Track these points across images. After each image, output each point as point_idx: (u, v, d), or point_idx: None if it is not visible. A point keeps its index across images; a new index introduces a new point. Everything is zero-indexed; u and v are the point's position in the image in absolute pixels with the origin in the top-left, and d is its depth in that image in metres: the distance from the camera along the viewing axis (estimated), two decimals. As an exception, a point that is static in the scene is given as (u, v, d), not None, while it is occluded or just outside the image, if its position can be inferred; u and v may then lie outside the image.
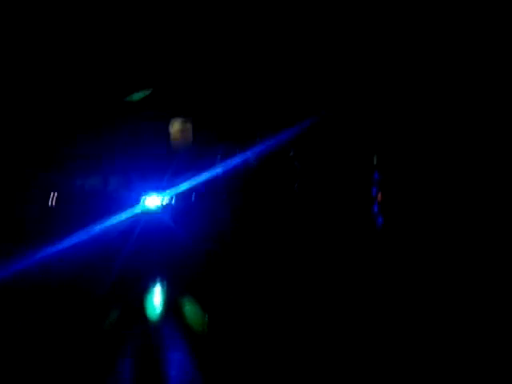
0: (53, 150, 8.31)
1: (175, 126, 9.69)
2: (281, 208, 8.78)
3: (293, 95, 8.95)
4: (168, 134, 9.59)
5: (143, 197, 8.79)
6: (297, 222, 8.45)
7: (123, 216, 8.35)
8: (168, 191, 8.83)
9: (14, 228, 6.88)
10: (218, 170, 9.21)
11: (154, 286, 6.52)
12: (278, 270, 6.73)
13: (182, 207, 8.73)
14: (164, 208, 8.75)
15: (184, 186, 8.80)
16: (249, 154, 9.28)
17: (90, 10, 7.35)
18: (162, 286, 6.56)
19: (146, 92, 8.55)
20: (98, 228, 7.86)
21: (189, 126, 9.72)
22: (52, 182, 8.34)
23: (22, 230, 6.94)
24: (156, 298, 6.09)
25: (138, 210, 8.62)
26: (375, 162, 8.25)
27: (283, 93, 9.09)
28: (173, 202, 8.82)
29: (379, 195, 8.19)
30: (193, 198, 8.86)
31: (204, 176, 8.93)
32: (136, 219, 8.46)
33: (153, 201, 8.74)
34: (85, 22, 7.49)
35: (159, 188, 8.84)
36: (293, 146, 9.21)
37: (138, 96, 8.61)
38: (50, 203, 8.24)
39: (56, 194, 8.35)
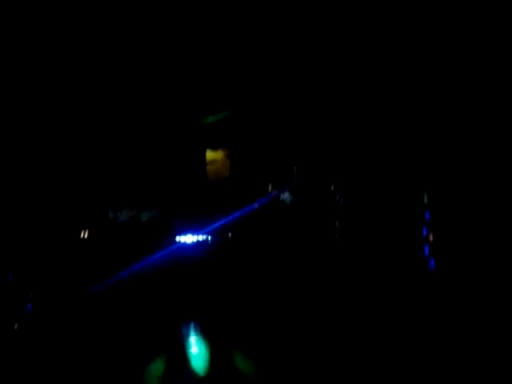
0: (89, 183, 8.00)
1: (211, 158, 9.33)
2: (322, 247, 8.25)
3: (336, 125, 8.54)
4: (203, 165, 9.23)
5: (178, 233, 8.36)
6: (340, 263, 7.89)
7: (158, 251, 7.93)
8: (204, 226, 8.38)
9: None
10: (255, 204, 8.79)
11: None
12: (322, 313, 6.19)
13: (219, 243, 8.27)
14: (200, 244, 8.30)
15: (220, 222, 8.37)
16: (285, 189, 8.84)
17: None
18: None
19: (221, 115, 8.25)
20: (135, 263, 7.48)
21: (225, 157, 9.36)
22: (88, 217, 8.00)
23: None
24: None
25: (173, 245, 8.19)
26: (426, 201, 7.73)
27: (325, 122, 8.70)
28: (209, 238, 8.36)
29: (430, 236, 7.64)
30: (230, 235, 8.40)
31: (241, 210, 8.50)
32: (171, 255, 8.02)
33: (188, 238, 8.30)
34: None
35: (195, 223, 8.41)
36: (335, 179, 8.75)
37: (212, 119, 8.33)
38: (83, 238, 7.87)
39: (89, 229, 7.99)
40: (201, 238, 8.34)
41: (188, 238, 8.32)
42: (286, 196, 8.88)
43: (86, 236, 8.02)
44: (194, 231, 8.38)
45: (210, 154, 9.18)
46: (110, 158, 8.65)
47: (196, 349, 5.36)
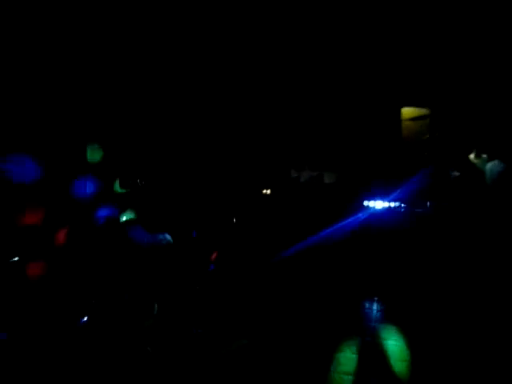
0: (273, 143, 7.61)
1: (408, 117, 8.08)
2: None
3: None
4: (398, 125, 8.05)
5: (366, 197, 7.45)
6: None
7: (343, 216, 7.17)
8: (395, 192, 7.30)
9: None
10: (457, 173, 7.39)
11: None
12: None
13: (416, 214, 7.12)
14: (392, 212, 7.28)
15: (415, 188, 7.19)
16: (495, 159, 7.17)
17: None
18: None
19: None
20: (318, 228, 6.87)
21: (425, 117, 8.03)
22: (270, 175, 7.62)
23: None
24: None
25: (359, 211, 7.31)
26: None
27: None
28: (402, 206, 7.28)
29: None
30: (428, 205, 7.19)
31: (441, 179, 7.20)
32: (358, 222, 7.18)
33: (378, 203, 7.32)
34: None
35: (385, 187, 7.39)
36: None
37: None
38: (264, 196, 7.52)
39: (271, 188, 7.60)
40: (392, 204, 7.30)
41: (378, 204, 7.35)
42: (494, 166, 7.23)
43: (267, 193, 7.66)
44: (384, 197, 7.38)
45: (407, 111, 7.95)
46: (293, 116, 8.10)
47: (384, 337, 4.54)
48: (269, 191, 7.71)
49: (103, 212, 4.22)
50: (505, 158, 7.22)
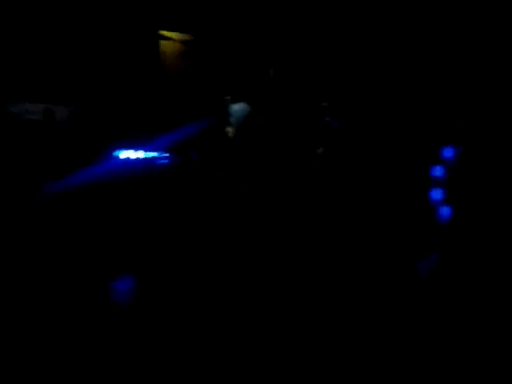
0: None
1: (166, 46, 6.75)
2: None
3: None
4: (157, 56, 6.67)
5: (114, 143, 5.88)
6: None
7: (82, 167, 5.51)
8: (153, 141, 5.95)
9: None
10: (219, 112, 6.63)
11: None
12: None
13: (180, 164, 5.98)
14: (149, 164, 5.94)
15: (176, 134, 6.02)
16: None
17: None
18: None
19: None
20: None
21: (185, 46, 6.85)
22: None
23: None
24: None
25: (106, 162, 5.71)
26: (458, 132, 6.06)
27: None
28: (163, 156, 6.01)
29: (447, 175, 6.13)
30: (195, 155, 6.15)
31: (203, 121, 6.30)
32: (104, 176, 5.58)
33: (129, 154, 5.81)
34: None
35: (141, 132, 5.97)
36: (327, 95, 6.58)
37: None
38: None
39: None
40: (151, 154, 5.93)
41: (130, 154, 5.84)
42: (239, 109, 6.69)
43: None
44: (140, 144, 5.94)
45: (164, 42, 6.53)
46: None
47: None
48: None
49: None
50: (250, 102, 6.70)
